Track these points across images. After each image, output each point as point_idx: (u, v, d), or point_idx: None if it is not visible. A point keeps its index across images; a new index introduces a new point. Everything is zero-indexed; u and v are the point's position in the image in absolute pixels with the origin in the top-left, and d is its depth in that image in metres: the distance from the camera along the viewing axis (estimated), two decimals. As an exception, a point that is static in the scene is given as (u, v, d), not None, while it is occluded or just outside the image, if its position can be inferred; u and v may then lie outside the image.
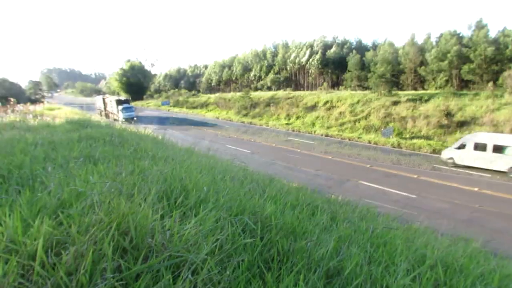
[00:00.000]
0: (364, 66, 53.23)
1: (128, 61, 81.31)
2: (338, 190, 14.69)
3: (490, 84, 34.23)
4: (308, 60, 67.96)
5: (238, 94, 60.74)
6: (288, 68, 73.74)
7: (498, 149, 20.22)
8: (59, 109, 42.14)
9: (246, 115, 52.52)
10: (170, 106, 75.33)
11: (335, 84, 63.70)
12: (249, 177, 5.87)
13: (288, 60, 72.67)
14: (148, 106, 78.46)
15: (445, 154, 23.04)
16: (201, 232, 2.35)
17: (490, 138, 20.98)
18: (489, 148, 20.59)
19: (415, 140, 29.16)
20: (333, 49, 64.83)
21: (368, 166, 22.54)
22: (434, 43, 46.36)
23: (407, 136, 31.27)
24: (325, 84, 58.52)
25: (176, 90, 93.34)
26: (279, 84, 72.02)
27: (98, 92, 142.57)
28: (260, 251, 2.49)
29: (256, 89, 74.54)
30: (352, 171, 21.18)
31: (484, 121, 27.87)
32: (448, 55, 41.32)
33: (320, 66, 65.62)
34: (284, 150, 28.16)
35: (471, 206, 15.07)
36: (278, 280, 2.20)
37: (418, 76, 46.77)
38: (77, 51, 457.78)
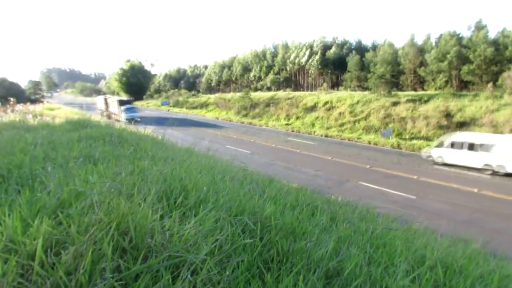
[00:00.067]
0: (363, 67, 53.25)
1: (128, 61, 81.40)
2: (338, 191, 14.66)
3: (490, 85, 34.26)
4: (307, 60, 67.99)
5: (238, 94, 60.76)
6: (288, 69, 73.77)
7: (482, 148, 20.99)
8: (58, 109, 42.26)
9: (245, 115, 52.54)
10: (170, 106, 75.36)
11: (335, 85, 63.72)
12: (248, 178, 5.86)
13: (288, 61, 72.70)
14: (148, 106, 78.47)
15: (433, 152, 23.70)
16: (201, 232, 2.35)
17: (468, 137, 22.04)
18: (466, 146, 21.57)
19: (414, 141, 29.18)
20: (333, 49, 64.87)
21: (368, 166, 22.55)
22: (433, 44, 46.40)
23: (407, 136, 31.30)
24: (324, 84, 58.56)
25: (176, 90, 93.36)
26: (278, 85, 72.05)
27: (98, 92, 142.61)
28: (260, 251, 2.49)
29: (256, 89, 74.59)
30: (352, 172, 21.19)
31: (484, 122, 27.89)
32: (448, 55, 41.35)
33: (319, 67, 65.65)
34: (284, 151, 28.18)
35: (470, 206, 15.08)
36: (277, 280, 2.20)
37: (418, 76, 46.81)
38: (77, 51, 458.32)
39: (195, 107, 69.18)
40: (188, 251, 2.08)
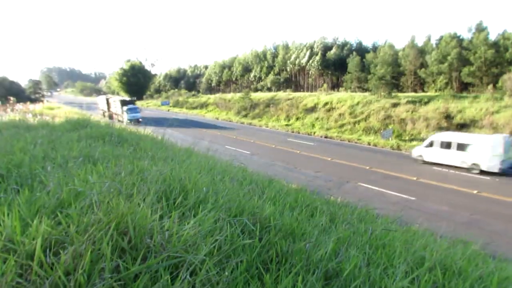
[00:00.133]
0: (364, 68, 53.30)
1: (128, 61, 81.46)
2: (337, 192, 14.68)
3: (490, 86, 34.31)
4: (308, 61, 68.07)
5: (238, 94, 60.80)
6: (288, 69, 73.84)
7: (461, 147, 21.77)
8: (58, 109, 42.23)
9: (246, 116, 52.57)
10: (170, 106, 75.42)
11: (335, 86, 63.78)
12: (248, 178, 5.86)
13: (288, 61, 72.79)
14: (148, 106, 78.45)
15: (416, 152, 24.69)
16: (200, 232, 2.35)
17: (454, 137, 22.77)
18: (453, 146, 22.19)
19: (414, 142, 29.16)
20: (333, 50, 64.97)
21: (368, 168, 22.55)
22: (434, 46, 46.48)
23: (407, 138, 31.33)
24: (325, 85, 58.55)
25: (176, 90, 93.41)
26: (279, 85, 72.10)
27: (98, 91, 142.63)
28: (259, 252, 2.49)
29: (256, 90, 74.67)
30: (352, 173, 21.19)
31: (484, 124, 27.92)
32: (448, 57, 41.42)
33: (320, 68, 65.72)
34: (284, 151, 28.18)
35: (470, 208, 15.08)
36: (276, 281, 2.20)
37: (418, 78, 46.87)
38: (77, 50, 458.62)
39: (195, 107, 69.21)
40: (187, 252, 2.08)
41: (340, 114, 40.15)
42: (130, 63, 78.85)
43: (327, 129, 38.48)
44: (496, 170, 20.26)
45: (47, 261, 1.78)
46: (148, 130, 11.18)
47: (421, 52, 46.82)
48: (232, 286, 2.05)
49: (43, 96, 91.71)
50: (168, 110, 71.69)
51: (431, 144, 23.62)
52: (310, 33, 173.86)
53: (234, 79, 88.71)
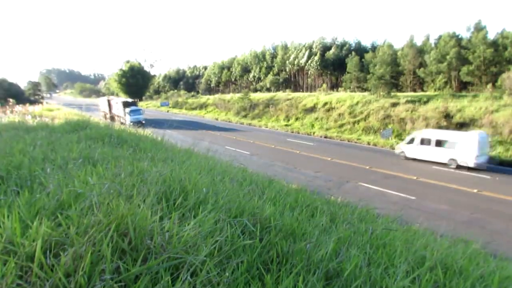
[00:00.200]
0: (363, 68, 53.33)
1: (128, 62, 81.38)
2: (338, 192, 14.70)
3: (489, 85, 34.34)
4: (307, 61, 68.11)
5: (237, 95, 60.82)
6: (287, 70, 73.90)
7: (440, 143, 23.02)
8: (58, 110, 42.15)
9: (245, 116, 52.59)
10: (169, 107, 75.44)
11: (334, 86, 63.84)
12: (248, 179, 5.86)
13: (287, 62, 72.83)
14: (147, 107, 78.44)
15: (399, 148, 26.04)
16: (200, 233, 2.34)
17: (433, 134, 23.97)
18: (433, 142, 23.42)
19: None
20: (332, 50, 65.02)
21: (368, 167, 22.56)
22: (433, 45, 46.53)
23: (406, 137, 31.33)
24: (324, 85, 58.56)
25: (175, 91, 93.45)
26: (278, 86, 72.14)
27: (97, 92, 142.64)
28: (259, 252, 2.48)
29: (255, 90, 74.72)
30: (352, 173, 21.19)
31: (483, 123, 27.93)
32: (447, 56, 41.46)
33: (319, 68, 65.77)
34: (283, 152, 28.17)
35: (470, 207, 15.09)
36: (277, 281, 2.20)
37: (417, 77, 46.92)
38: (76, 51, 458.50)
39: (195, 108, 69.24)
40: (187, 253, 2.07)
41: (339, 114, 40.16)
42: (129, 64, 78.77)
43: (327, 129, 38.50)
44: (472, 165, 21.35)
45: (47, 262, 1.78)
46: (147, 131, 11.19)
47: (420, 51, 46.86)
48: (233, 287, 2.05)
49: (42, 97, 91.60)
50: (168, 111, 71.71)
51: (412, 141, 24.71)
52: (309, 33, 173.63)
53: (233, 79, 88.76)
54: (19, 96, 69.02)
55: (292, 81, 75.16)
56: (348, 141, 33.61)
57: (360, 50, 61.07)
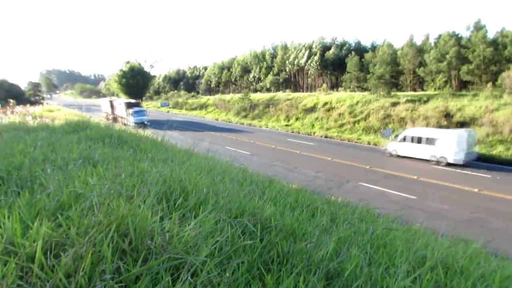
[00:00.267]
0: (363, 67, 53.34)
1: (128, 62, 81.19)
2: (338, 192, 14.69)
3: (489, 84, 34.34)
4: (307, 61, 68.11)
5: (238, 95, 60.85)
6: (287, 70, 73.91)
7: (430, 141, 23.76)
8: (58, 111, 42.13)
9: (245, 116, 52.61)
10: (170, 108, 75.50)
11: (334, 86, 63.85)
12: (248, 179, 5.86)
13: (287, 62, 72.85)
14: (148, 108, 78.44)
15: (390, 146, 26.57)
16: (201, 234, 2.34)
17: (424, 132, 24.69)
18: (423, 140, 24.12)
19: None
20: (332, 50, 65.02)
21: (368, 167, 22.55)
22: (432, 44, 46.53)
23: (407, 137, 31.34)
24: (324, 85, 58.58)
25: (176, 91, 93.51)
26: (278, 86, 72.16)
27: (98, 93, 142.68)
28: (260, 252, 2.48)
29: (255, 90, 74.75)
30: (352, 173, 21.18)
31: (484, 122, 27.92)
32: (447, 56, 41.45)
33: (319, 68, 65.77)
34: (284, 152, 28.17)
35: (471, 206, 15.07)
36: (278, 282, 2.19)
37: (417, 77, 46.91)
38: (77, 52, 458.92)
39: (195, 109, 69.29)
40: (188, 253, 2.07)
41: (339, 114, 40.16)
42: (129, 65, 78.57)
43: (327, 129, 38.50)
44: (461, 162, 22.11)
45: (47, 263, 1.78)
46: (148, 132, 11.19)
47: (420, 51, 46.85)
48: (234, 287, 2.04)
49: (42, 98, 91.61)
50: (168, 112, 71.77)
51: (404, 139, 25.36)
52: (308, 33, 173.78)
53: (233, 80, 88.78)
54: (19, 97, 68.96)
55: (292, 81, 75.17)
56: (349, 141, 33.60)
57: (360, 50, 61.08)
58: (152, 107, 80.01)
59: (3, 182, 3.57)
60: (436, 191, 17.50)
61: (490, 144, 25.94)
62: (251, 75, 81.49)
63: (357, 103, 40.12)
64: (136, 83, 75.83)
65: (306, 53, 68.81)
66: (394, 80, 47.94)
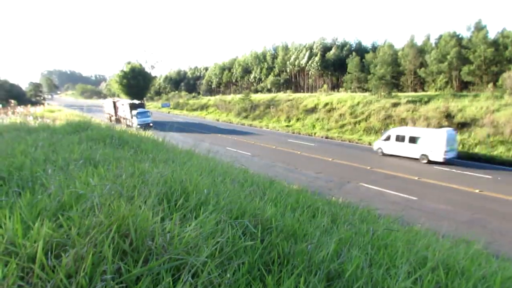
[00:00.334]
0: (364, 68, 53.31)
1: (129, 63, 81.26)
2: (339, 192, 14.67)
3: (490, 85, 34.31)
4: (307, 62, 68.09)
5: (238, 96, 60.83)
6: (288, 70, 73.90)
7: (413, 140, 24.58)
8: (59, 111, 42.15)
9: (246, 117, 52.61)
10: (170, 108, 75.54)
11: (335, 86, 63.84)
12: (249, 180, 5.86)
13: (288, 62, 72.85)
14: (148, 108, 78.51)
15: (376, 145, 27.50)
16: (202, 234, 2.34)
17: (407, 131, 25.65)
18: (406, 139, 24.98)
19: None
20: (333, 51, 64.98)
21: (369, 168, 22.54)
22: (433, 45, 46.51)
23: (408, 137, 31.32)
24: (325, 86, 58.58)
25: (176, 92, 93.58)
26: (279, 86, 72.15)
27: (99, 94, 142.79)
28: (261, 253, 2.48)
29: (256, 91, 74.75)
30: (353, 173, 21.17)
31: (485, 122, 27.87)
32: (448, 56, 41.43)
33: (319, 68, 65.75)
34: (284, 152, 28.16)
35: (472, 207, 15.06)
36: (278, 282, 2.19)
37: (418, 77, 46.89)
38: (78, 53, 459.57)
39: (196, 109, 69.33)
40: (188, 254, 2.07)
41: (340, 115, 40.15)
42: (130, 66, 78.64)
43: (328, 130, 38.47)
44: (441, 160, 22.98)
45: (48, 264, 1.78)
46: (149, 133, 11.21)
47: (421, 51, 46.82)
48: (234, 288, 2.04)
49: (43, 98, 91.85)
50: (169, 112, 71.82)
51: (388, 138, 26.24)
52: (309, 34, 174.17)
53: (234, 80, 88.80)
54: (20, 97, 69.19)
55: (293, 81, 75.16)
56: (349, 141, 33.58)
57: (361, 51, 61.04)
58: (153, 108, 80.00)
59: (4, 182, 3.58)
60: (437, 191, 17.48)
61: (491, 145, 25.91)
62: (252, 76, 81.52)
63: (358, 103, 40.10)
64: (137, 83, 75.89)
65: (307, 53, 68.81)
66: (395, 81, 47.94)
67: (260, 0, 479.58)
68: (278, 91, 68.28)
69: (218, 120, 55.39)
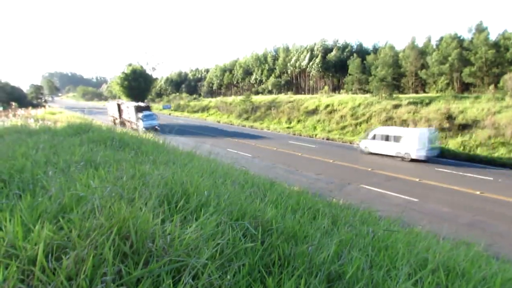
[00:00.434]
0: (365, 70, 53.35)
1: (130, 65, 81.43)
2: (339, 194, 14.64)
3: (491, 87, 34.27)
4: (308, 63, 68.12)
5: (239, 98, 60.87)
6: (289, 72, 73.96)
7: (396, 139, 25.74)
8: (60, 113, 42.26)
9: (247, 119, 52.63)
10: (171, 110, 75.55)
11: (336, 88, 63.88)
12: (250, 181, 5.86)
13: (289, 64, 72.92)
14: (149, 110, 78.50)
15: (362, 144, 28.68)
16: (202, 236, 2.35)
17: (390, 130, 27.02)
18: (391, 138, 26.15)
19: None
20: (334, 52, 65.00)
21: (370, 169, 22.51)
22: (434, 46, 46.54)
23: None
24: (326, 87, 58.63)
25: (177, 94, 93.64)
26: (280, 88, 72.19)
27: (100, 96, 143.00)
28: (261, 255, 2.48)
29: (257, 92, 74.78)
30: (353, 175, 21.15)
31: (486, 124, 27.85)
32: (449, 58, 41.45)
33: (320, 70, 65.77)
34: (285, 154, 28.16)
35: (473, 209, 15.03)
36: (279, 284, 2.19)
37: (419, 79, 46.91)
38: (79, 55, 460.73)
39: (197, 111, 69.37)
40: (189, 255, 2.07)
41: (341, 116, 40.15)
42: (131, 67, 78.80)
43: (329, 131, 38.48)
44: (422, 158, 24.20)
45: (49, 266, 1.78)
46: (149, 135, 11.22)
47: (422, 53, 46.85)
48: (235, 290, 2.05)
49: (45, 101, 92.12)
50: (170, 114, 71.85)
51: (374, 137, 27.39)
52: (310, 35, 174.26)
53: (235, 82, 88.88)
54: (21, 99, 69.35)
55: (294, 83, 75.19)
56: (350, 143, 33.54)
57: (362, 52, 61.07)
58: (154, 110, 79.98)
59: (5, 185, 3.58)
60: (437, 193, 17.45)
61: (492, 147, 25.89)
62: (253, 78, 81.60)
63: (359, 105, 40.11)
64: (138, 85, 76.00)
65: (308, 55, 68.87)
66: (396, 82, 47.95)
67: (261, 2, 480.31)
68: (279, 92, 68.29)
69: (219, 122, 55.42)
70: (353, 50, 65.12)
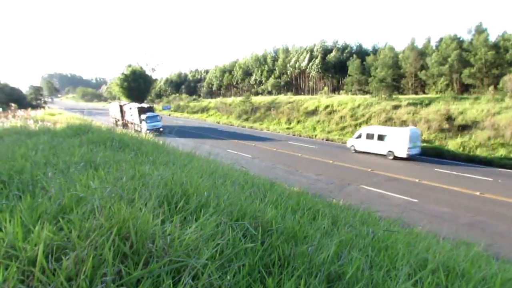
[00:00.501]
0: (364, 71, 53.38)
1: (129, 66, 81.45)
2: (339, 195, 14.65)
3: (491, 88, 34.31)
4: (308, 64, 68.17)
5: (239, 98, 60.88)
6: (289, 73, 73.99)
7: (381, 137, 26.62)
8: (60, 115, 42.18)
9: (246, 119, 52.61)
10: (171, 111, 75.53)
11: (336, 89, 63.92)
12: (250, 182, 5.86)
13: (288, 65, 72.96)
14: (149, 111, 78.50)
15: (349, 143, 29.56)
16: (202, 237, 2.35)
17: (375, 130, 27.72)
18: (375, 137, 27.02)
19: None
20: (333, 53, 65.06)
21: (369, 170, 22.51)
22: (434, 48, 46.60)
23: (408, 140, 31.32)
24: (325, 88, 58.64)
25: (177, 94, 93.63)
26: (279, 89, 72.21)
27: (99, 97, 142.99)
28: (261, 255, 2.48)
29: (256, 93, 74.80)
30: (353, 176, 21.14)
31: (485, 125, 27.85)
32: (449, 59, 41.50)
33: (320, 71, 65.82)
34: (285, 155, 28.16)
35: (472, 209, 15.03)
36: (279, 284, 2.19)
37: (419, 80, 46.94)
38: (78, 56, 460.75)
39: (196, 112, 69.37)
40: (189, 256, 2.07)
41: (341, 117, 40.16)
42: (131, 68, 78.80)
43: (328, 132, 38.47)
44: (405, 156, 25.03)
45: (49, 267, 1.78)
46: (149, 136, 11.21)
47: (421, 54, 46.90)
48: (235, 290, 2.04)
49: (44, 102, 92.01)
50: (169, 115, 71.81)
51: (360, 136, 28.34)
52: (310, 36, 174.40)
53: (234, 83, 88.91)
54: (21, 100, 69.23)
55: (294, 84, 75.23)
56: (350, 143, 33.55)
57: (361, 53, 61.14)
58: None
59: (5, 186, 3.58)
60: (437, 194, 17.45)
61: (492, 148, 25.90)
62: (253, 78, 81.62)
63: (358, 106, 40.12)
64: (138, 86, 75.98)
65: (308, 56, 68.92)
66: (395, 83, 47.97)
67: (261, 2, 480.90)
68: (279, 93, 68.30)
69: (218, 123, 55.40)
70: (353, 51, 65.19)
